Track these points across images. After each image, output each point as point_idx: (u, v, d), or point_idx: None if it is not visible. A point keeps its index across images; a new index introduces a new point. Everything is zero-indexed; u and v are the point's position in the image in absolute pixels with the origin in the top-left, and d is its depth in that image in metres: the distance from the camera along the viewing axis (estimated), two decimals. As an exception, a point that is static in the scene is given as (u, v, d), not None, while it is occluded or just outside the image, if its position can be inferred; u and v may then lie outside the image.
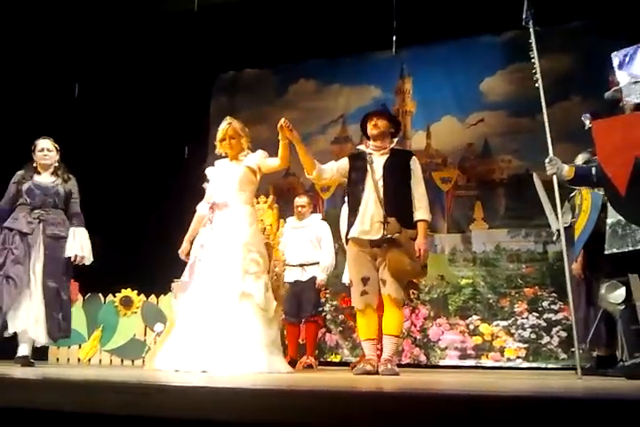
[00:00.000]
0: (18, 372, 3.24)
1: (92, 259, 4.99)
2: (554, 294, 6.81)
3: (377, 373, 3.99)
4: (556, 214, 5.13)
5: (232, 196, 4.27)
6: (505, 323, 6.93)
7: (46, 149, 5.01)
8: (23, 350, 4.71)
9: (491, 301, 7.09)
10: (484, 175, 7.53)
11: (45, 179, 5.00)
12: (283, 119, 4.14)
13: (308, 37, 7.58)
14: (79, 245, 4.91)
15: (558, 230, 5.22)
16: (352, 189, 4.28)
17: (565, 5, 6.84)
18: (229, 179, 4.31)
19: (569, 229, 5.03)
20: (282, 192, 7.89)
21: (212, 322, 3.91)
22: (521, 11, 4.56)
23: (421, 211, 4.18)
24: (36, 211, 4.86)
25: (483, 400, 1.80)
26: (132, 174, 7.44)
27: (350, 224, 4.20)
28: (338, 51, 7.97)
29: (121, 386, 2.27)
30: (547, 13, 6.91)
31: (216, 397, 1.99)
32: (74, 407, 2.12)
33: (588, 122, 4.47)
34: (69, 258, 4.89)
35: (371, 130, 4.31)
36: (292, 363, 6.01)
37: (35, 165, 5.02)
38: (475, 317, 7.08)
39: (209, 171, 4.49)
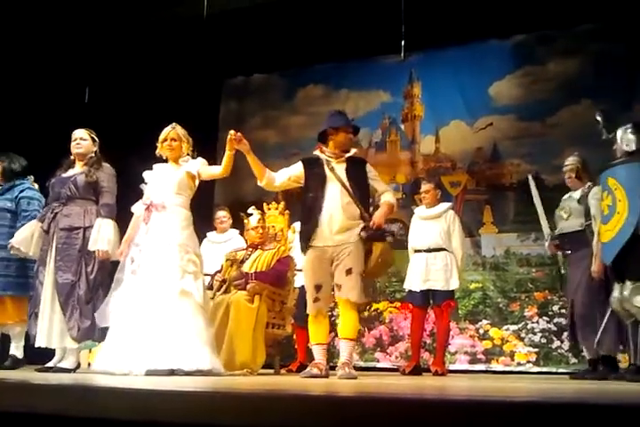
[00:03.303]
0: (15, 376, 3.25)
1: (118, 256, 4.44)
2: (564, 299, 6.78)
3: (325, 376, 4.09)
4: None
5: (169, 198, 4.30)
6: (515, 327, 6.91)
7: (79, 139, 4.72)
8: (54, 359, 4.54)
9: (501, 305, 7.06)
10: (493, 179, 7.51)
11: (75, 170, 4.70)
12: (232, 131, 4.22)
13: (316, 42, 7.59)
14: (102, 237, 4.44)
15: (550, 235, 5.33)
16: (311, 195, 4.31)
17: (574, 8, 6.83)
18: (167, 182, 4.36)
19: (582, 233, 5.00)
20: (292, 198, 7.90)
21: (151, 321, 3.93)
22: (528, 15, 4.54)
23: (388, 194, 4.38)
24: (53, 204, 4.63)
25: (490, 405, 1.79)
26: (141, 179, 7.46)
27: (309, 231, 4.24)
28: (346, 55, 7.98)
29: (117, 391, 2.28)
30: (555, 17, 6.94)
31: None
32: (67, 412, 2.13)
33: (599, 118, 4.47)
34: (94, 251, 4.44)
35: (346, 143, 4.43)
36: (302, 367, 6.01)
37: (72, 157, 4.75)
38: (484, 321, 7.05)
39: (146, 174, 4.51)
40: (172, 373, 3.73)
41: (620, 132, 4.54)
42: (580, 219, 5.04)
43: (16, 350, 4.93)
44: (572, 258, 5.19)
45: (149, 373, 3.71)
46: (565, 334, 6.62)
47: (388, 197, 4.36)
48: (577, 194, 5.16)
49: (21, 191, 5.14)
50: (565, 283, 5.46)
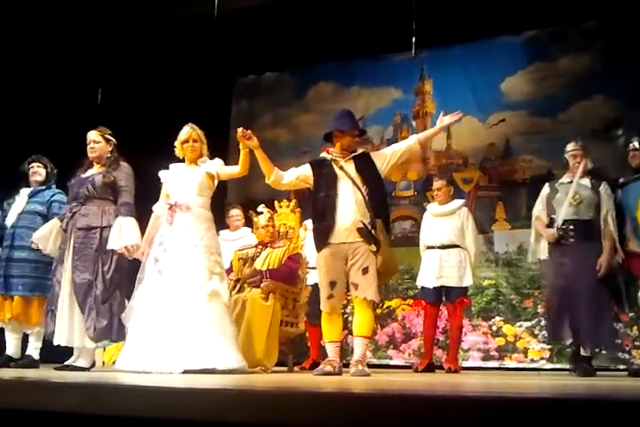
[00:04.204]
0: (32, 374, 3.27)
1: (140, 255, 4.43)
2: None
3: (338, 374, 4.10)
4: None
5: (192, 199, 4.35)
6: (528, 324, 6.88)
7: (92, 142, 4.71)
8: (72, 357, 4.55)
9: (514, 302, 7.04)
10: (505, 175, 7.49)
11: (93, 171, 4.71)
12: (240, 129, 4.23)
13: (326, 40, 7.59)
14: (127, 234, 4.42)
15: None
16: (322, 194, 4.32)
17: (585, 4, 6.81)
18: (189, 183, 4.40)
19: (589, 223, 4.85)
20: (303, 196, 7.90)
21: (181, 321, 3.97)
22: (539, 11, 4.53)
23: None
24: (71, 204, 4.65)
25: (503, 402, 1.79)
26: (158, 179, 7.48)
27: (325, 229, 4.24)
28: (357, 53, 7.98)
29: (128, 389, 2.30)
30: (566, 12, 6.91)
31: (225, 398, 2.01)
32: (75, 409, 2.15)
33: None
34: (112, 251, 4.42)
35: (352, 145, 4.43)
36: (315, 365, 6.03)
37: (90, 159, 4.77)
38: (498, 318, 7.04)
39: (163, 173, 4.55)
40: (207, 372, 3.76)
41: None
42: (591, 208, 4.88)
43: (33, 350, 5.00)
44: (572, 248, 4.87)
45: (185, 372, 3.75)
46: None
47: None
48: (586, 182, 4.96)
49: (52, 196, 5.28)
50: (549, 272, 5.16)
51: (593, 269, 4.76)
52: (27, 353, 4.99)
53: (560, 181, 5.08)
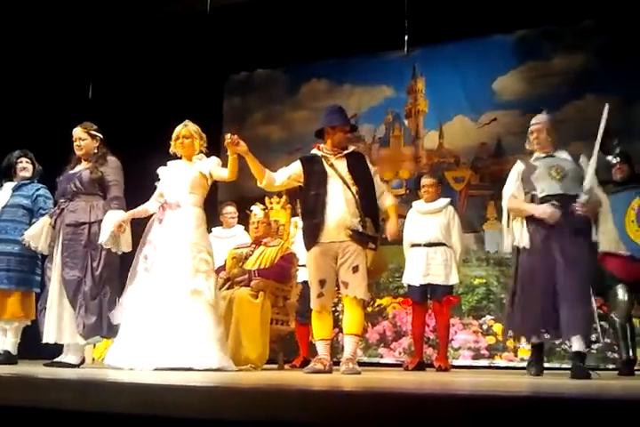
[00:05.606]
0: (20, 371, 3.26)
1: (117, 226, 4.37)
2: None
3: (328, 371, 4.12)
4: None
5: (183, 197, 4.34)
6: (519, 323, 6.88)
7: (78, 139, 4.69)
8: (62, 355, 4.51)
9: (504, 301, 7.03)
10: (497, 175, 7.47)
11: (81, 167, 4.70)
12: (228, 135, 4.21)
13: (319, 37, 7.59)
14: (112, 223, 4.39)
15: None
16: (313, 192, 4.32)
17: (578, 3, 6.83)
18: (181, 180, 4.39)
19: (573, 200, 4.22)
20: (295, 192, 7.89)
21: (162, 319, 3.97)
22: (532, 10, 4.52)
23: (389, 197, 4.46)
24: (59, 200, 4.66)
25: (492, 400, 1.80)
26: (148, 176, 7.45)
27: (315, 228, 4.24)
28: (350, 51, 7.98)
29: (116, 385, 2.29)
30: (559, 11, 6.93)
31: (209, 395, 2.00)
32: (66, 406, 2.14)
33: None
34: (101, 246, 4.40)
35: (342, 141, 4.44)
36: (306, 363, 6.02)
37: (77, 156, 4.75)
38: (488, 316, 7.06)
39: (161, 170, 4.55)
40: (183, 370, 3.75)
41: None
42: (577, 183, 4.24)
43: (11, 346, 4.96)
44: (557, 230, 4.17)
45: (157, 369, 3.74)
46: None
47: (390, 201, 4.45)
48: (564, 155, 4.43)
49: (37, 190, 5.28)
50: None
51: (575, 251, 4.13)
52: (4, 349, 4.95)
53: (535, 156, 4.51)
